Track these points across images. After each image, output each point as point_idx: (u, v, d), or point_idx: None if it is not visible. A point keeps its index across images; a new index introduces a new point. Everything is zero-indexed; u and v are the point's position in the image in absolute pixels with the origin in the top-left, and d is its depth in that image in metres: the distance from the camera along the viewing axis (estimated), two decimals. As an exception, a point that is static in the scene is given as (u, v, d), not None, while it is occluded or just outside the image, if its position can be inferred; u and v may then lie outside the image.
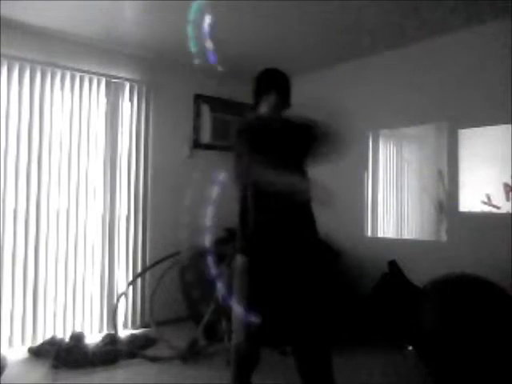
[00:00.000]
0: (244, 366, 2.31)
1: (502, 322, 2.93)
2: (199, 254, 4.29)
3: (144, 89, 4.56)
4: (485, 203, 3.66)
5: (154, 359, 3.57)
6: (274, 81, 2.38)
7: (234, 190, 2.35)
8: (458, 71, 3.87)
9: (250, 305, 2.24)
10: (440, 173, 4.06)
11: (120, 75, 4.39)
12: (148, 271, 4.36)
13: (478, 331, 2.87)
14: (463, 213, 3.79)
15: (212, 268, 4.05)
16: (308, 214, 2.32)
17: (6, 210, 3.76)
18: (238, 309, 2.29)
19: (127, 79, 4.44)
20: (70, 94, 4.12)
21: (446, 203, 3.99)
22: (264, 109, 2.39)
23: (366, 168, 4.55)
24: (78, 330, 3.96)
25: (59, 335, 3.86)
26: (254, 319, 2.24)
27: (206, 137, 4.84)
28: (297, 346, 2.31)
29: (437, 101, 3.99)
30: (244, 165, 2.21)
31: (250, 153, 2.19)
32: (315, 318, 2.26)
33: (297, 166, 2.33)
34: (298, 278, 2.25)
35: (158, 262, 4.15)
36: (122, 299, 4.23)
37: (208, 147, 4.92)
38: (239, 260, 2.29)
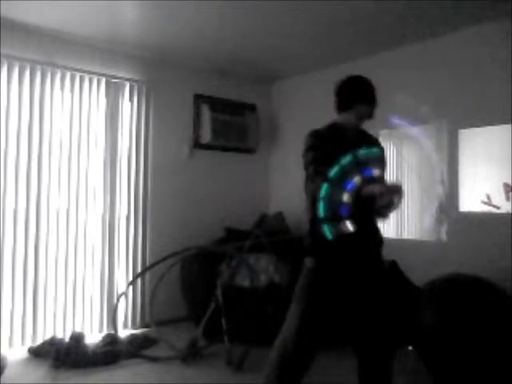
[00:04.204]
0: (294, 372, 2.15)
1: (501, 322, 2.93)
2: (200, 254, 4.30)
3: (144, 89, 4.56)
4: (485, 203, 3.66)
5: (154, 359, 3.57)
6: (369, 92, 2.33)
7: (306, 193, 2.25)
8: (458, 71, 3.87)
9: (312, 305, 2.16)
10: (440, 173, 4.05)
11: (120, 75, 4.39)
12: (148, 271, 4.36)
13: (477, 331, 2.87)
14: (463, 213, 3.79)
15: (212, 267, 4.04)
16: (376, 226, 2.31)
17: (6, 209, 3.77)
18: (294, 309, 2.19)
19: (127, 79, 4.44)
20: (69, 94, 4.12)
21: (445, 203, 3.99)
22: (349, 116, 2.32)
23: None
24: (78, 330, 3.96)
25: (59, 335, 3.86)
26: (315, 324, 2.15)
27: (206, 137, 4.84)
28: (361, 348, 2.26)
29: (437, 101, 3.99)
30: (319, 168, 2.11)
31: (329, 157, 2.13)
32: (382, 322, 2.23)
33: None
34: (366, 282, 2.22)
35: (158, 262, 4.15)
36: (122, 299, 4.23)
37: (208, 147, 4.92)
38: (307, 262, 2.24)
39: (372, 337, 2.22)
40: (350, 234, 1.97)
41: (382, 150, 2.38)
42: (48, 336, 3.83)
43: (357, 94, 2.32)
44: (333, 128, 2.32)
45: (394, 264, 3.75)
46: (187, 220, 4.73)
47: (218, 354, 3.59)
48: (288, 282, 3.70)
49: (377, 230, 2.33)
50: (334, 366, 3.29)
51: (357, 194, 1.94)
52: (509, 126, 3.52)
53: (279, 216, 4.83)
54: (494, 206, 3.60)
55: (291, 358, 2.13)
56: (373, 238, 2.29)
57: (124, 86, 4.45)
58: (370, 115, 2.33)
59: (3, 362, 3.11)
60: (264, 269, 3.93)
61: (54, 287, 3.98)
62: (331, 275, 2.18)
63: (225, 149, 5.02)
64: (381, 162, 2.27)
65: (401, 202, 2.07)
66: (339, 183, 1.93)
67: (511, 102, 3.48)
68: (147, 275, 4.42)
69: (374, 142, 2.39)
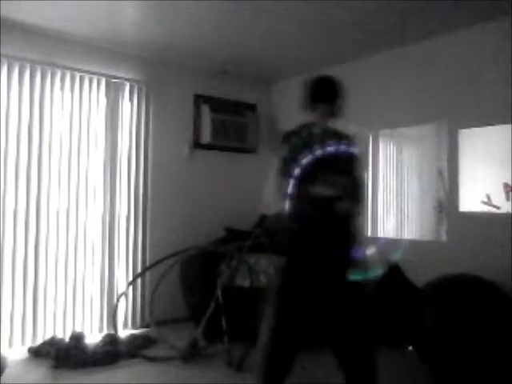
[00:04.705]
0: (277, 373, 2.21)
1: (501, 322, 2.93)
2: (200, 254, 4.30)
3: (144, 89, 4.56)
4: (485, 203, 3.66)
5: (153, 359, 3.57)
6: (327, 90, 2.39)
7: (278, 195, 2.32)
8: (458, 71, 3.86)
9: (284, 305, 2.19)
10: (440, 173, 4.05)
11: (120, 75, 4.39)
12: (148, 271, 4.36)
13: (477, 331, 2.87)
14: (463, 213, 3.79)
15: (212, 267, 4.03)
16: (347, 225, 2.30)
17: (6, 209, 3.76)
18: (270, 311, 2.23)
19: (127, 79, 4.44)
20: (69, 94, 4.12)
21: (445, 203, 3.99)
22: (315, 115, 2.40)
23: (366, 168, 4.55)
24: (78, 330, 3.95)
25: (59, 335, 3.86)
26: (289, 324, 2.17)
27: (206, 137, 4.84)
28: (338, 347, 2.27)
29: (437, 101, 3.99)
30: (288, 171, 2.20)
31: (296, 159, 2.19)
32: (358, 320, 2.24)
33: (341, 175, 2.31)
34: (337, 280, 2.22)
35: (158, 262, 4.15)
36: (122, 299, 4.23)
37: (208, 147, 4.92)
38: (280, 262, 2.27)
39: (346, 335, 2.22)
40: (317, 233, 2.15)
41: (351, 148, 2.36)
42: (48, 336, 3.83)
43: (314, 95, 2.41)
44: (303, 127, 2.39)
45: (396, 268, 3.75)
46: (187, 220, 4.73)
47: (218, 354, 3.59)
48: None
49: (348, 230, 2.30)
50: (317, 366, 3.26)
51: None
52: (509, 125, 3.52)
53: (279, 216, 4.82)
54: (494, 206, 3.60)
55: (271, 359, 2.20)
56: (343, 238, 2.28)
57: (124, 86, 4.45)
58: (332, 113, 2.36)
59: (3, 362, 3.10)
60: (264, 269, 3.93)
61: (54, 287, 3.98)
62: (300, 275, 2.20)
63: (225, 149, 5.01)
64: (346, 160, 2.33)
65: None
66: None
67: (511, 101, 3.48)
68: (147, 275, 4.42)
69: (343, 140, 2.36)
